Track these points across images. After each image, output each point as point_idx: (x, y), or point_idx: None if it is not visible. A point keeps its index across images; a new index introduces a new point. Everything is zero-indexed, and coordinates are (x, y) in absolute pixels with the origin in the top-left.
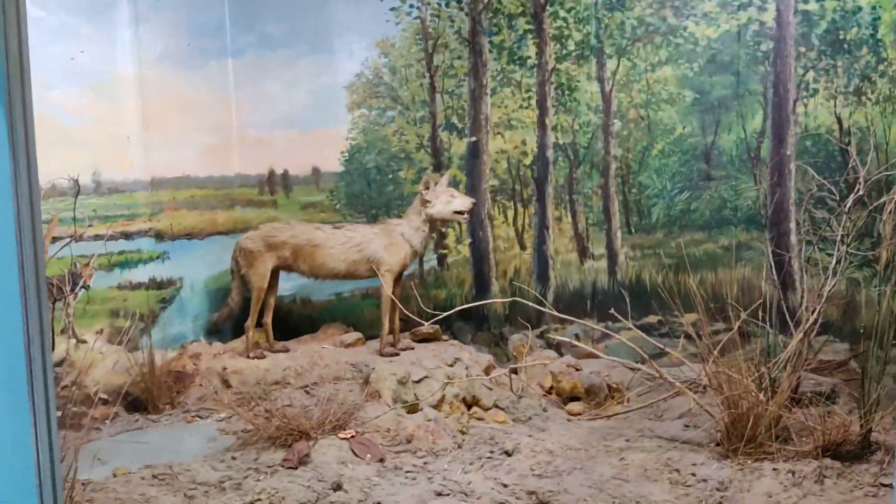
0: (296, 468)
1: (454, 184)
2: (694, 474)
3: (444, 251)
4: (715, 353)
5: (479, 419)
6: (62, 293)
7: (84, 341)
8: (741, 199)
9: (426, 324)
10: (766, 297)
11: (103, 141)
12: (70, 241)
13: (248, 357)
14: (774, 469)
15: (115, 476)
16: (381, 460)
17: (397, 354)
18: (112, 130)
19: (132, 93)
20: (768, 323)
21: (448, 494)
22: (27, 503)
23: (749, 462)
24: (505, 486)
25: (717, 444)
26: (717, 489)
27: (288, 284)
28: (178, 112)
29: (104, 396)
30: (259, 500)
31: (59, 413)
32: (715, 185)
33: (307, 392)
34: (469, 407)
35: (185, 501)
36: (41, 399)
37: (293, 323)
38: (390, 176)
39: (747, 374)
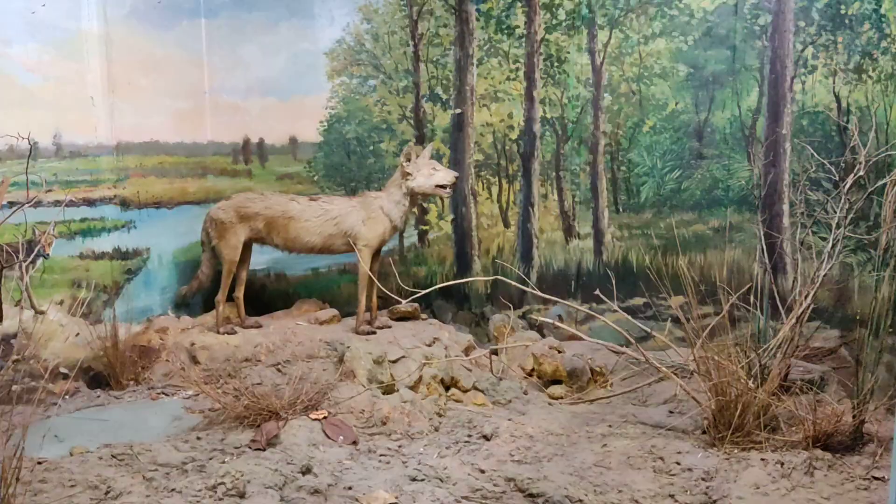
0: (264, 450)
1: (437, 157)
2: (679, 463)
3: (425, 227)
4: (703, 337)
5: (457, 401)
6: (13, 260)
7: (42, 312)
8: (734, 178)
9: (404, 302)
10: (756, 280)
11: (65, 101)
12: (22, 206)
13: (218, 332)
14: (762, 459)
15: (71, 455)
16: (354, 443)
17: (374, 333)
18: (75, 91)
19: (97, 51)
20: (759, 308)
21: (423, 480)
22: None
23: (736, 451)
24: (482, 471)
25: (704, 432)
26: (703, 479)
27: (262, 258)
28: (146, 74)
29: (64, 371)
30: (222, 483)
31: (16, 388)
32: (707, 164)
33: (279, 370)
34: (447, 388)
35: (144, 484)
36: None
37: (266, 298)
38: (371, 147)
39: (736, 359)
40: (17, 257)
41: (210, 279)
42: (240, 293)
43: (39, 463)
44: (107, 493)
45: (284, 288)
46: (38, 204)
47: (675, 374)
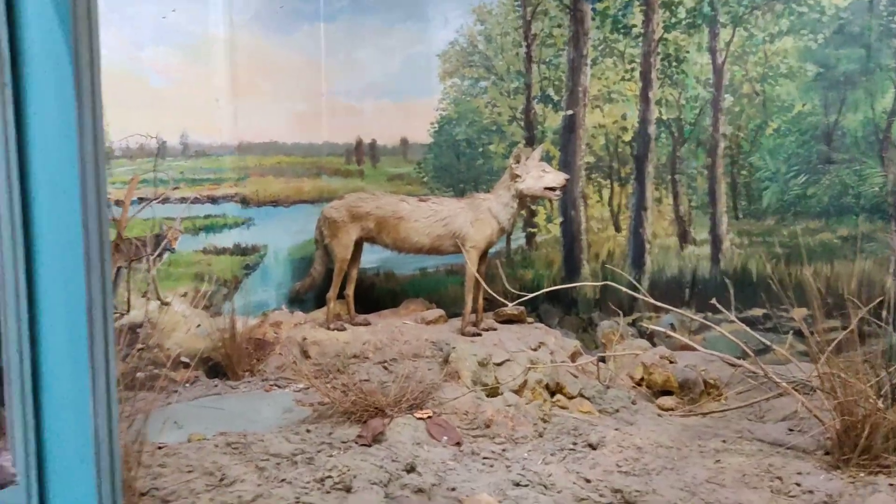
0: (369, 446)
1: (547, 159)
2: (799, 484)
3: (533, 230)
4: (828, 352)
5: (562, 408)
6: (141, 253)
7: (167, 304)
8: (866, 185)
9: (511, 304)
10: (889, 294)
11: (192, 103)
12: (151, 202)
13: (329, 328)
14: (891, 485)
15: (189, 441)
16: (458, 444)
17: (479, 335)
18: (201, 93)
19: (222, 55)
20: (891, 323)
21: (526, 485)
22: (85, 469)
23: (862, 475)
24: (588, 481)
25: (827, 453)
26: (825, 502)
27: (372, 257)
28: (267, 77)
29: (185, 360)
30: (329, 476)
31: (140, 375)
32: (836, 170)
33: (385, 368)
34: (552, 394)
35: (256, 472)
36: (101, 363)
37: (375, 296)
38: (480, 149)
39: (864, 377)
40: (146, 251)
41: (322, 276)
42: (350, 291)
43: (160, 448)
44: (221, 479)
45: (392, 287)
46: (165, 200)
47: (797, 391)
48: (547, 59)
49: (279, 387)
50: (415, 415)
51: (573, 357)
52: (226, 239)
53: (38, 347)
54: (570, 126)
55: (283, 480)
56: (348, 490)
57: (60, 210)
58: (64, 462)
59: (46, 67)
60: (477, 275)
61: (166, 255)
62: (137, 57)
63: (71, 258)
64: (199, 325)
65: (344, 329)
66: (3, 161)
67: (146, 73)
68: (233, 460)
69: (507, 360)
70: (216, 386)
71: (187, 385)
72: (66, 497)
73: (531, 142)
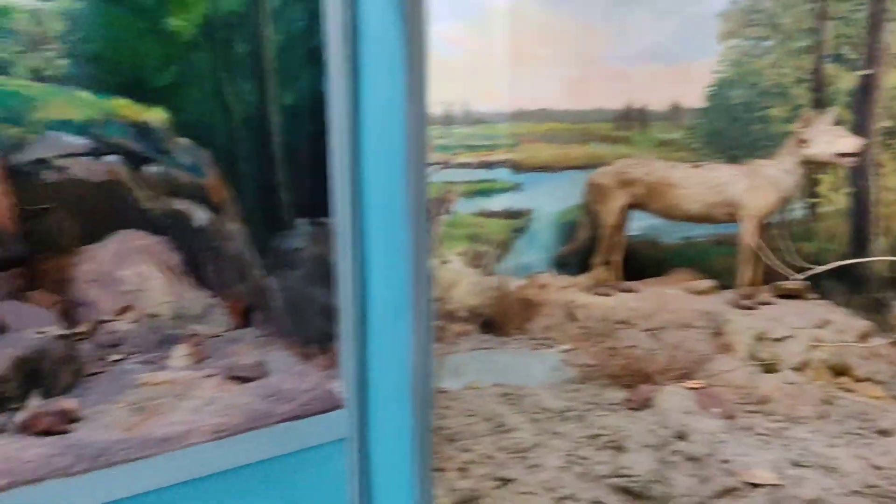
0: (638, 410)
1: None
2: None
3: (815, 199)
4: None
5: (847, 390)
6: (430, 214)
7: (447, 262)
8: None
9: (792, 278)
10: None
11: (475, 73)
12: (439, 167)
13: (594, 293)
14: None
15: (469, 388)
16: (731, 417)
17: (754, 308)
18: (483, 63)
19: (503, 25)
20: None
21: (807, 466)
22: (402, 401)
23: None
24: (878, 468)
25: None
26: None
27: (636, 224)
28: (544, 45)
29: (463, 314)
30: (601, 434)
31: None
32: None
33: (652, 335)
34: (837, 375)
35: (531, 423)
36: (420, 306)
37: (639, 263)
38: (759, 113)
39: None
40: (433, 212)
41: (587, 242)
42: (616, 257)
43: (441, 392)
44: (499, 426)
45: (657, 255)
46: (447, 165)
47: None
48: (842, 15)
49: (546, 346)
50: (686, 384)
51: (863, 338)
52: (497, 203)
53: (366, 289)
54: (866, 87)
55: (556, 433)
56: (619, 449)
57: (387, 166)
58: (385, 394)
59: (380, 41)
60: (755, 245)
61: (446, 217)
62: (431, 30)
63: (395, 210)
64: (473, 284)
65: (609, 294)
66: (342, 122)
67: (438, 45)
68: (509, 410)
69: (788, 337)
70: (487, 340)
71: (465, 337)
72: (384, 425)
73: (818, 104)
